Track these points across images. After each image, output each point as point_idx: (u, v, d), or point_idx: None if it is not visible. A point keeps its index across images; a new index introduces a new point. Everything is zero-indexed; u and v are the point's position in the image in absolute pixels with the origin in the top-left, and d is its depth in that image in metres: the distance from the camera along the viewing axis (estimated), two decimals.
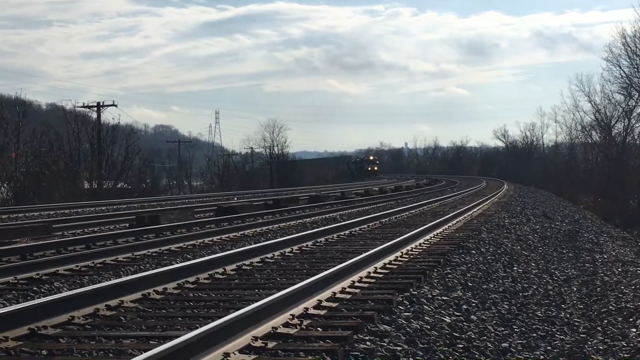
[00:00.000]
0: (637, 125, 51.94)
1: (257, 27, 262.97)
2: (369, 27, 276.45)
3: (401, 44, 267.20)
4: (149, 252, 12.81)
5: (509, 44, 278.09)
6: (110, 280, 9.37)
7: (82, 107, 52.06)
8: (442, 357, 5.79)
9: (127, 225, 18.39)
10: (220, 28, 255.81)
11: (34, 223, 17.50)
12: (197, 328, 5.70)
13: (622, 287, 9.59)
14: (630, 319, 7.39)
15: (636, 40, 46.84)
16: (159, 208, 24.23)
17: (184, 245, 13.98)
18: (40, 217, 21.66)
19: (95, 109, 49.02)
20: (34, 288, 9.26)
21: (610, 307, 8.03)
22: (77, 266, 11.04)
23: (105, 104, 48.75)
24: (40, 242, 13.55)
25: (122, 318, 7.21)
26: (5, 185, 38.34)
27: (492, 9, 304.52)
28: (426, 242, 13.67)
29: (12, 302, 8.11)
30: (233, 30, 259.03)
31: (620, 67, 48.87)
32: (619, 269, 11.62)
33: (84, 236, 15.18)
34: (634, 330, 7.07)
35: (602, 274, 10.94)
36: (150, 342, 6.03)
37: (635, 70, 47.36)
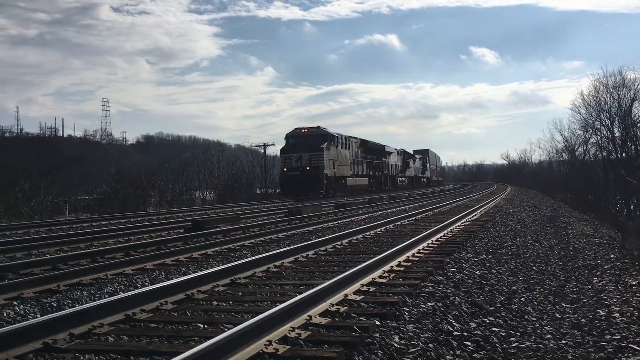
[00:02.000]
0: (591, 149, 54.68)
1: (340, 97, 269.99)
2: (406, 96, 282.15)
3: (430, 104, 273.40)
4: (297, 231, 12.87)
5: (497, 102, 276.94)
6: (271, 250, 9.17)
7: (255, 146, 56.30)
8: (475, 295, 5.89)
9: (283, 215, 18.86)
10: (319, 98, 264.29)
11: (229, 214, 17.91)
12: (328, 279, 5.87)
13: (587, 251, 9.50)
14: (593, 271, 7.40)
15: (590, 97, 49.31)
16: (300, 205, 24.68)
17: (316, 227, 14.12)
18: (232, 211, 22.15)
19: (262, 147, 52.30)
20: (231, 254, 9.31)
21: (579, 264, 8.01)
22: (256, 240, 11.03)
23: (267, 144, 51.77)
24: (233, 226, 13.82)
25: (283, 273, 7.20)
26: (212, 192, 42.09)
27: (481, 82, 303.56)
28: (462, 224, 13.71)
29: (220, 263, 8.15)
30: (326, 100, 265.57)
31: (580, 113, 51.92)
32: (584, 240, 11.45)
33: (259, 222, 15.30)
34: (596, 278, 7.08)
35: (573, 243, 10.82)
36: (300, 287, 6.10)
37: (590, 115, 50.22)
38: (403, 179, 58.28)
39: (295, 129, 35.97)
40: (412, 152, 67.06)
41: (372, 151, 46.82)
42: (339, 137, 37.44)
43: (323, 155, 33.75)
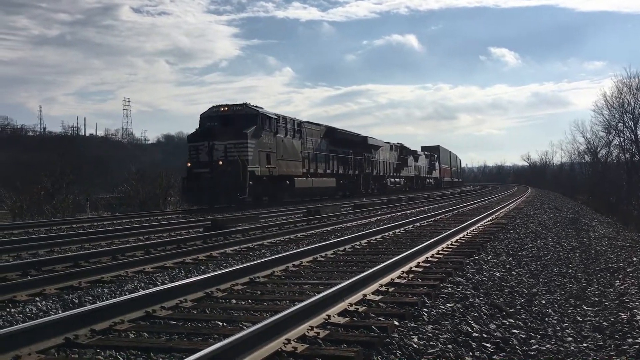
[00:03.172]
0: (614, 151, 54.48)
1: (358, 98, 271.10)
2: (424, 96, 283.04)
3: (449, 105, 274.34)
4: (316, 231, 12.86)
5: (517, 103, 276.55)
6: (289, 250, 9.23)
7: None
8: (495, 297, 5.85)
9: (301, 215, 18.83)
10: (337, 99, 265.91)
11: (248, 214, 17.78)
12: (347, 279, 5.80)
13: (609, 254, 9.36)
14: (615, 274, 7.30)
15: (613, 98, 48.50)
16: (319, 205, 24.57)
17: (335, 227, 14.08)
18: (251, 211, 22.36)
19: None
20: (250, 253, 9.32)
21: (601, 267, 7.89)
22: (274, 240, 11.04)
23: None
24: (252, 226, 13.85)
25: (301, 272, 7.19)
26: None
27: (500, 83, 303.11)
28: (482, 226, 13.60)
29: (239, 262, 8.21)
30: (344, 101, 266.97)
31: (602, 115, 51.15)
32: (606, 242, 11.30)
33: (277, 222, 15.32)
34: (618, 281, 6.99)
35: (595, 245, 10.67)
36: (319, 286, 6.09)
37: (612, 116, 49.47)
38: (397, 179, 48.47)
39: (212, 106, 25.72)
40: (416, 149, 57.78)
41: (346, 143, 35.94)
42: (279, 120, 26.79)
43: (247, 144, 23.39)
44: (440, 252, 8.74)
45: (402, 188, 48.98)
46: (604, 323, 5.01)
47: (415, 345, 4.01)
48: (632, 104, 47.24)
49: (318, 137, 32.19)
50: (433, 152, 67.15)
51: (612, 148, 54.50)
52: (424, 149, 65.25)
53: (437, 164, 67.31)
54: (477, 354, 3.94)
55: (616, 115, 49.48)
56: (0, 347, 3.59)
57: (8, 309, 5.39)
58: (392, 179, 46.80)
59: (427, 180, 62.18)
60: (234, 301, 5.54)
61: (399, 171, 48.82)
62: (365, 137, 39.55)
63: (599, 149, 58.85)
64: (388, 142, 46.08)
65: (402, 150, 50.46)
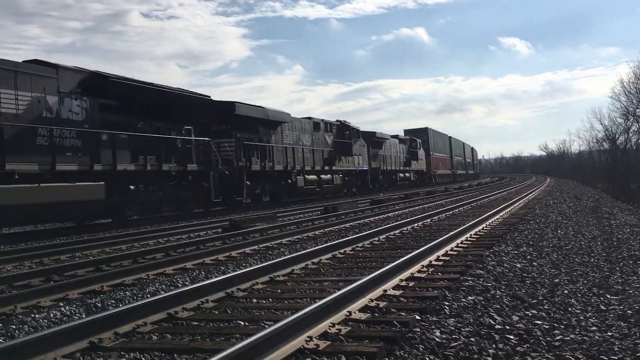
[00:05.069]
0: (632, 137, 53.56)
1: (370, 93, 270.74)
2: (437, 90, 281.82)
3: (462, 97, 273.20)
4: (334, 228, 12.86)
5: (530, 92, 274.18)
6: (308, 248, 9.18)
7: None
8: (517, 288, 5.78)
9: (319, 212, 18.89)
10: (349, 95, 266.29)
11: (266, 213, 17.77)
12: (367, 275, 5.82)
13: (631, 241, 9.23)
14: (638, 262, 7.23)
15: (630, 84, 48.35)
16: (334, 202, 24.51)
17: (352, 223, 14.10)
18: (269, 211, 22.26)
19: None
20: (269, 252, 9.32)
21: (624, 255, 7.79)
22: (293, 238, 11.04)
23: None
24: (270, 225, 13.89)
25: (321, 269, 7.21)
26: None
27: (513, 73, 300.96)
28: (501, 217, 13.52)
29: (258, 262, 8.23)
30: (356, 97, 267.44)
31: (620, 101, 50.70)
32: (628, 230, 11.14)
33: (295, 220, 15.42)
34: None
35: (617, 233, 10.52)
36: (339, 283, 6.10)
37: (630, 102, 49.13)
38: (327, 176, 29.64)
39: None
40: (379, 133, 39.46)
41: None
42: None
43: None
44: (460, 245, 8.71)
45: (340, 190, 32.03)
46: (629, 311, 4.95)
47: (437, 339, 3.99)
48: None
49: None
50: (416, 135, 50.82)
51: (630, 134, 53.91)
52: (406, 132, 51.87)
53: (420, 151, 49.42)
54: (501, 346, 3.91)
55: (634, 101, 48.94)
56: (25, 353, 3.62)
57: (33, 315, 5.46)
58: (323, 176, 29.16)
59: (400, 174, 44.01)
60: (254, 300, 5.56)
61: (330, 163, 30.14)
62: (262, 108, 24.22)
63: (617, 136, 58.28)
64: (311, 118, 29.66)
65: (339, 129, 31.91)
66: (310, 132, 28.81)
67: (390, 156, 41.65)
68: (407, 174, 45.68)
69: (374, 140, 38.12)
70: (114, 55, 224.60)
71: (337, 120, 32.56)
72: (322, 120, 30.79)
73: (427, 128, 55.76)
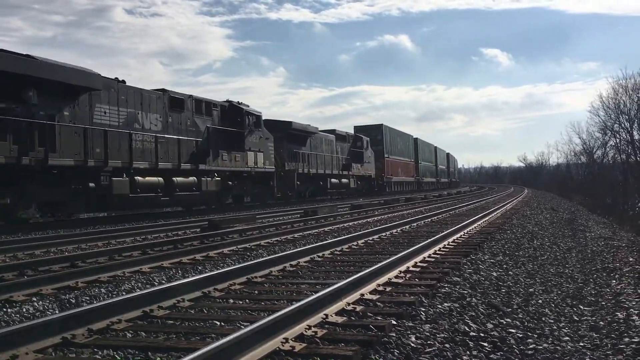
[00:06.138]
0: (609, 152, 54.61)
1: (353, 98, 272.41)
2: (419, 97, 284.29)
3: (444, 105, 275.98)
4: (313, 232, 12.85)
5: (511, 104, 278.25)
6: (287, 250, 9.26)
7: None
8: (492, 296, 5.84)
9: (299, 215, 18.89)
10: (332, 100, 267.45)
11: (245, 214, 17.70)
12: (345, 278, 5.79)
13: (605, 254, 9.40)
14: (611, 274, 7.32)
15: (609, 99, 49.42)
16: (316, 206, 24.54)
17: (332, 227, 14.15)
18: (249, 212, 22.35)
19: None
20: (247, 254, 9.28)
21: (598, 267, 7.92)
22: (272, 240, 10.97)
23: None
24: (249, 226, 13.80)
25: (299, 272, 7.15)
26: None
27: (494, 84, 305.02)
28: (479, 226, 13.63)
29: (236, 262, 8.16)
30: (340, 102, 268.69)
31: (598, 116, 52.09)
32: (602, 242, 11.35)
33: (274, 222, 15.34)
34: (614, 281, 7.00)
35: (591, 246, 10.71)
36: (317, 286, 6.06)
37: (608, 117, 50.37)
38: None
39: None
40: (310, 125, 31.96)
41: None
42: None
43: None
44: (437, 252, 8.75)
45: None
46: (601, 322, 5.02)
47: (412, 345, 4.01)
48: (628, 105, 47.41)
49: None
50: (365, 133, 42.08)
51: (608, 149, 54.81)
52: (357, 129, 43.72)
53: (366, 152, 40.40)
54: (475, 352, 3.95)
55: (612, 116, 49.72)
56: None
57: (5, 309, 5.39)
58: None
59: (334, 180, 34.41)
60: (231, 301, 5.53)
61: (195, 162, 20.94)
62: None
63: (595, 150, 59.27)
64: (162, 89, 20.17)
65: (231, 114, 23.54)
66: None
67: (318, 155, 32.39)
68: (344, 180, 36.00)
69: (291, 133, 29.17)
70: (98, 51, 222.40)
71: (227, 100, 24.30)
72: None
73: (382, 125, 46.10)
